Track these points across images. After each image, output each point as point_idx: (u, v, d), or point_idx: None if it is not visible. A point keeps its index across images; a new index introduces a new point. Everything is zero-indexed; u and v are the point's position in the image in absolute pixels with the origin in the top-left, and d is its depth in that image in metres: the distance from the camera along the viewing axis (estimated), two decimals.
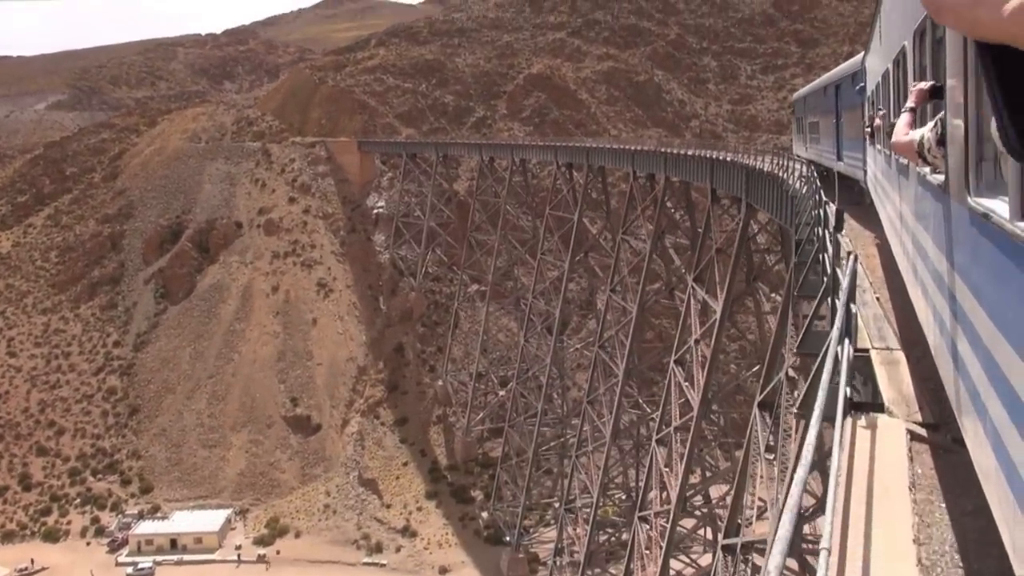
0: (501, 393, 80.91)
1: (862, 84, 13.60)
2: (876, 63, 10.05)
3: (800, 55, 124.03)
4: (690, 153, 41.38)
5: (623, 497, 65.76)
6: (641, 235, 66.74)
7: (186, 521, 71.81)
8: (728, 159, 33.98)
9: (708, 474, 49.62)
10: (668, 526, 35.46)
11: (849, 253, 6.05)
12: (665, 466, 37.26)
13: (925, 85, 4.11)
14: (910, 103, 4.08)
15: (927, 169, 4.12)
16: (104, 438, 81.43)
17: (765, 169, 25.99)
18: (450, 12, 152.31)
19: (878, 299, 6.54)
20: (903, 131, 3.95)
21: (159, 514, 73.82)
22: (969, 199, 3.08)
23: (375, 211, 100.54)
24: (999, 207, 2.61)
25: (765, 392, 25.78)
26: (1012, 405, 2.25)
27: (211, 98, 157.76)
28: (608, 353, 54.87)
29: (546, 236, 69.99)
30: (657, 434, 39.77)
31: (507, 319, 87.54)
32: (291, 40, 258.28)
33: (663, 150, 46.54)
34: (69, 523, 74.05)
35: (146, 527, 71.48)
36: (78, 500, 76.18)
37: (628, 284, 56.15)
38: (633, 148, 53.07)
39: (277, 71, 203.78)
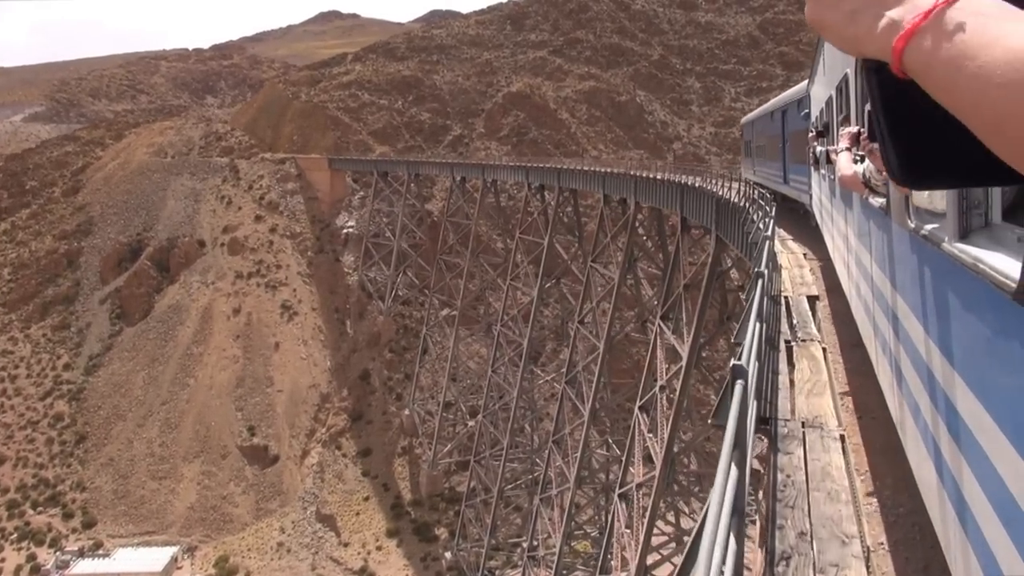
0: (471, 423, 76.87)
1: (807, 110, 13.80)
2: (820, 90, 10.27)
3: (785, 78, 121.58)
4: (659, 177, 38.04)
5: (595, 536, 61.81)
6: (614, 262, 63.35)
7: (129, 560, 67.20)
8: (697, 185, 30.64)
9: (685, 516, 46.02)
10: None
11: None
12: (627, 527, 33.63)
13: (853, 129, 4.44)
14: (844, 144, 4.30)
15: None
16: (47, 468, 76.77)
17: (732, 200, 22.67)
18: (430, 28, 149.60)
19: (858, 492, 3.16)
20: (847, 167, 4.14)
21: (101, 551, 69.16)
22: (909, 221, 3.15)
23: (344, 231, 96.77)
24: (938, 229, 2.65)
25: None
26: (950, 419, 2.30)
27: (190, 113, 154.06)
28: (576, 390, 51.13)
29: (519, 260, 66.49)
30: (620, 487, 36.18)
31: (478, 345, 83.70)
32: (277, 56, 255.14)
33: (633, 173, 43.22)
34: (3, 561, 69.23)
35: (85, 566, 66.84)
36: (15, 535, 71.42)
37: (598, 315, 52.59)
38: (604, 171, 49.80)
39: (261, 86, 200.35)
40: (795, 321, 6.72)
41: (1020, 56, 0.75)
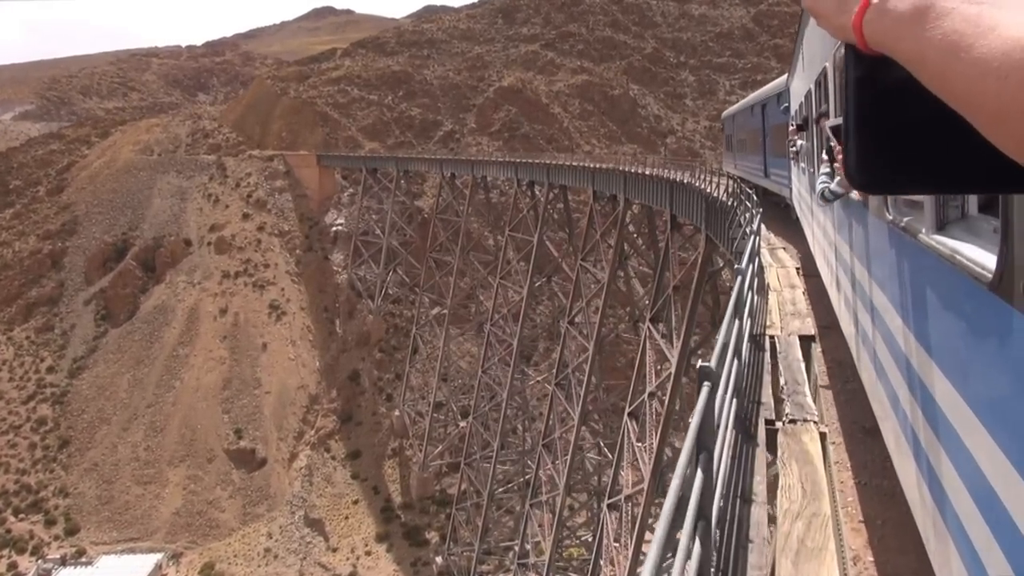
0: (462, 424, 75.38)
1: (787, 104, 13.74)
2: (799, 84, 10.18)
3: (780, 71, 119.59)
4: (648, 173, 36.53)
5: (588, 541, 60.39)
6: (604, 260, 61.82)
7: (112, 567, 65.61)
8: (686, 182, 29.15)
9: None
10: None
11: None
12: (615, 540, 32.23)
13: None
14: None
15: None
16: (30, 473, 75.17)
17: (720, 197, 21.22)
18: (420, 23, 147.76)
19: None
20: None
21: (83, 559, 67.57)
22: (887, 214, 3.18)
23: (334, 229, 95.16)
24: (916, 221, 2.69)
25: None
26: (928, 410, 2.32)
27: (179, 110, 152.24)
28: (566, 391, 49.65)
29: (510, 258, 64.97)
30: (609, 497, 34.78)
31: (469, 344, 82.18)
32: (271, 52, 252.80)
33: (623, 169, 41.71)
34: None
35: (67, 574, 65.31)
36: None
37: (589, 315, 51.11)
38: (593, 166, 48.25)
39: (253, 83, 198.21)
40: (783, 382, 4.99)
41: (1019, 47, 0.73)
